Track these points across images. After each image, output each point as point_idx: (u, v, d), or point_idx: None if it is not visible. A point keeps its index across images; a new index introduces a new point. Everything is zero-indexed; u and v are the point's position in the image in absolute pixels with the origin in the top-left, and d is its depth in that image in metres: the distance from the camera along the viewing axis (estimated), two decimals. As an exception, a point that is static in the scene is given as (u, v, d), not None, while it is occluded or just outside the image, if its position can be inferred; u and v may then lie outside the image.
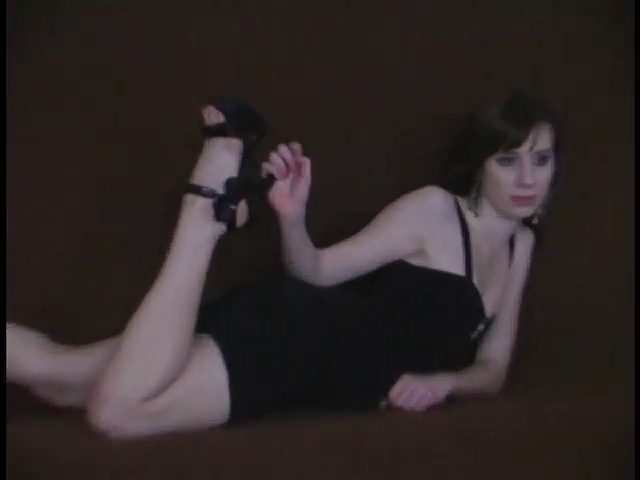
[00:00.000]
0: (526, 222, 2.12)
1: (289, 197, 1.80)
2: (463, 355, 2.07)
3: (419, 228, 1.97)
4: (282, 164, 1.78)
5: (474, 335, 2.06)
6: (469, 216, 2.04)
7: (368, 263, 1.98)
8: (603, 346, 2.24)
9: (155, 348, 1.64)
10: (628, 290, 2.27)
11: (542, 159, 1.96)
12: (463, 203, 2.04)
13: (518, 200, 1.96)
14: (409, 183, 2.07)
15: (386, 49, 2.22)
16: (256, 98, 1.83)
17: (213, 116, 1.75)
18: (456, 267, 2.00)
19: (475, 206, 2.03)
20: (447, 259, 1.99)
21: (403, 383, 1.88)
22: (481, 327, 2.06)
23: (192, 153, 1.78)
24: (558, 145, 2.01)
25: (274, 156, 1.79)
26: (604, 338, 2.25)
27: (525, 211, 1.99)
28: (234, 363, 1.71)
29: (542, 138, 1.95)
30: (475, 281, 2.02)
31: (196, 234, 1.71)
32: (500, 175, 1.96)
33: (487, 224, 2.04)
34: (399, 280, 2.01)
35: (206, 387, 1.69)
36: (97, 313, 2.05)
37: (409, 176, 2.17)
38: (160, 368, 1.64)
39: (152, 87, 2.10)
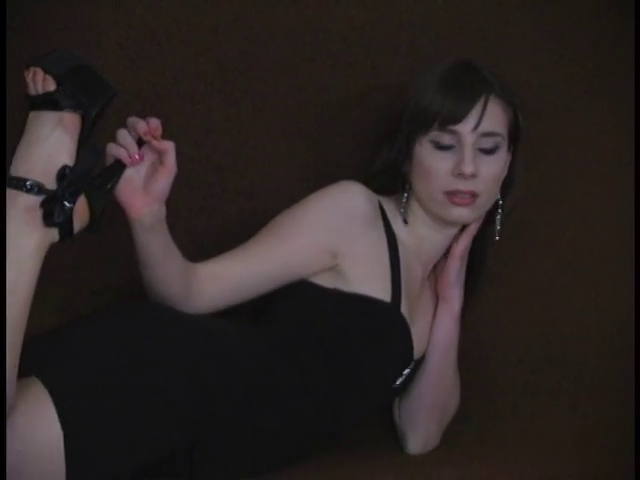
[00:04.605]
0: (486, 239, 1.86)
1: (142, 192, 1.57)
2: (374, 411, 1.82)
3: (335, 236, 1.70)
4: (134, 147, 1.54)
5: (398, 383, 1.78)
6: (396, 224, 1.77)
7: (260, 283, 1.71)
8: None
9: None
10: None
11: (490, 148, 1.71)
12: (389, 206, 1.77)
13: (454, 197, 1.70)
14: (319, 174, 1.93)
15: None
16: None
17: (41, 82, 1.49)
18: (380, 291, 1.72)
19: (404, 210, 1.77)
20: (369, 280, 1.72)
21: None
22: (407, 372, 1.79)
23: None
24: (515, 137, 1.76)
25: (123, 134, 1.54)
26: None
27: (462, 214, 1.72)
28: (71, 419, 1.45)
29: (491, 117, 1.69)
30: (404, 310, 1.73)
31: (17, 245, 1.45)
32: (432, 161, 1.71)
33: (419, 235, 1.78)
34: (302, 307, 1.73)
35: (38, 451, 1.45)
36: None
37: (319, 165, 1.98)
38: None
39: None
